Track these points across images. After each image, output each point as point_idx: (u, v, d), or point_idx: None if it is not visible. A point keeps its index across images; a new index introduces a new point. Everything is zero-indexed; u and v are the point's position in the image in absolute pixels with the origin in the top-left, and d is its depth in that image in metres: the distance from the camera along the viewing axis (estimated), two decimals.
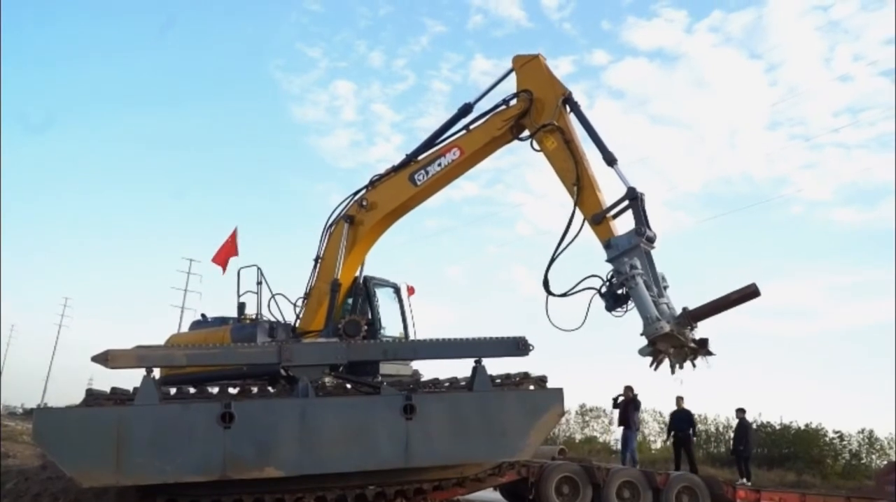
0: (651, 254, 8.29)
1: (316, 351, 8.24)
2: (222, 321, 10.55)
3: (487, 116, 9.62)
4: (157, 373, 7.80)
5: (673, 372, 8.03)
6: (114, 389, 7.85)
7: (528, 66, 9.53)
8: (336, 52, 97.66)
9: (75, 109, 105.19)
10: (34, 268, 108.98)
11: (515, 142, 9.64)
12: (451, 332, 9.23)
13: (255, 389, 8.35)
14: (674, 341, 7.84)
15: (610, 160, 8.75)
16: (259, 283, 9.98)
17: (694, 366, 8.02)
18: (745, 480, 14.23)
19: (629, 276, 7.95)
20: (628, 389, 15.03)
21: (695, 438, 17.72)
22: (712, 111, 69.57)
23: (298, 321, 10.10)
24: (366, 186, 10.20)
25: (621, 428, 15.28)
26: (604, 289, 8.37)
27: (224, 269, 11.03)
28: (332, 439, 7.59)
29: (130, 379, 7.57)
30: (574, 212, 8.73)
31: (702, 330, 8.00)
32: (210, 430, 7.27)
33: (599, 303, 8.40)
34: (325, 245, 10.22)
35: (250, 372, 8.66)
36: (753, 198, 69.89)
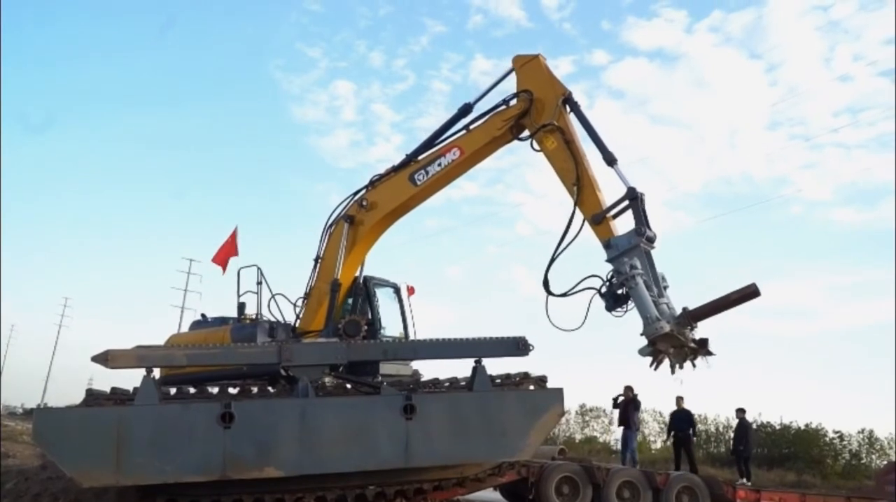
0: (651, 254, 8.29)
1: (316, 351, 8.24)
2: (222, 321, 10.55)
3: (487, 116, 9.62)
4: (157, 372, 7.80)
5: (673, 372, 8.03)
6: (114, 389, 7.85)
7: (529, 67, 9.52)
8: (336, 52, 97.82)
9: (75, 109, 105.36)
10: (34, 268, 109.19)
11: (515, 142, 9.64)
12: (451, 332, 9.25)
13: (255, 389, 8.35)
14: (674, 341, 7.84)
15: (610, 160, 8.75)
16: (259, 283, 9.98)
17: (694, 366, 8.02)
18: (745, 480, 14.23)
19: (629, 276, 7.95)
20: (628, 389, 15.03)
21: (695, 438, 17.73)
22: (712, 111, 69.65)
23: (298, 321, 10.10)
24: (366, 186, 10.19)
25: (621, 428, 15.29)
26: (604, 289, 8.37)
27: (224, 269, 11.04)
28: (332, 439, 7.59)
29: (130, 379, 7.59)
30: (574, 212, 8.73)
31: (702, 330, 8.01)
32: (210, 430, 7.27)
33: (599, 303, 8.40)
34: (325, 245, 10.22)
35: (250, 372, 8.66)
36: (753, 198, 70.00)
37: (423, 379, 9.55)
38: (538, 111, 9.26)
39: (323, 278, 10.00)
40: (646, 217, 8.30)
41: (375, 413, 7.79)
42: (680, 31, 76.13)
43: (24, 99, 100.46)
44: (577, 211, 8.72)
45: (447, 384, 8.68)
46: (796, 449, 23.31)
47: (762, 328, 55.59)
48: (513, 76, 9.66)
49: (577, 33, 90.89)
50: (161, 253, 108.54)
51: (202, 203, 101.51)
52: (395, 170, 10.07)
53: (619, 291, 8.20)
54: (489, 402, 8.03)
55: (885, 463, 20.57)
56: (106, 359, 7.29)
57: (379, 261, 10.97)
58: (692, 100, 74.17)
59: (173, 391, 8.00)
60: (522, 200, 78.81)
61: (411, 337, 10.85)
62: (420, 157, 9.94)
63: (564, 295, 8.57)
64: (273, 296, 9.91)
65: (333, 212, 10.26)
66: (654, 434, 27.92)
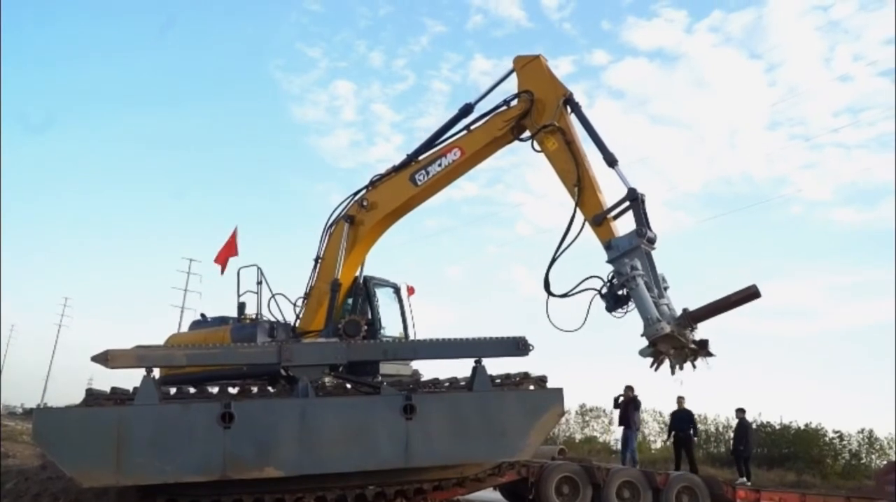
0: (651, 255, 8.29)
1: (316, 351, 8.24)
2: (222, 321, 10.55)
3: (488, 117, 9.62)
4: (156, 372, 7.81)
5: (673, 372, 8.04)
6: (114, 389, 7.85)
7: (529, 67, 9.52)
8: (336, 52, 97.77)
9: (75, 109, 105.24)
10: (34, 268, 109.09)
11: (516, 143, 9.65)
12: (451, 332, 9.25)
13: (255, 389, 8.35)
14: (674, 342, 7.85)
15: (611, 161, 8.75)
16: (259, 283, 9.99)
17: (694, 366, 8.02)
18: (744, 480, 14.23)
19: (630, 277, 7.95)
20: (629, 389, 15.03)
21: (696, 438, 17.71)
22: (712, 111, 69.63)
23: (298, 321, 10.10)
24: (366, 186, 10.20)
25: (621, 428, 15.29)
26: (604, 290, 8.37)
27: (224, 269, 11.02)
28: (332, 439, 7.60)
29: (130, 379, 7.59)
30: (575, 212, 8.74)
31: (702, 330, 8.02)
32: (210, 430, 7.27)
33: (600, 303, 8.40)
34: (325, 245, 10.22)
35: (250, 372, 8.65)
36: (753, 198, 70.01)
37: (423, 379, 9.54)
38: (539, 112, 9.25)
39: (323, 278, 10.00)
40: (646, 218, 8.31)
41: (375, 413, 7.79)
42: (680, 31, 76.22)
43: (24, 99, 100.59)
44: (578, 212, 8.72)
45: (447, 384, 8.68)
46: (796, 449, 23.28)
47: (762, 328, 55.63)
48: (513, 77, 9.66)
49: (577, 33, 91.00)
50: (161, 253, 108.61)
51: (202, 203, 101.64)
52: (396, 170, 10.07)
53: (620, 292, 8.20)
54: (489, 402, 8.04)
55: (884, 463, 20.57)
56: (106, 358, 7.30)
57: (379, 261, 10.99)
58: (692, 100, 74.25)
59: (173, 391, 8.00)
60: (522, 200, 78.94)
61: (411, 337, 10.84)
62: (421, 158, 9.94)
63: (565, 295, 8.57)
64: (273, 296, 9.92)
65: (333, 212, 10.29)
66: (654, 434, 27.94)
